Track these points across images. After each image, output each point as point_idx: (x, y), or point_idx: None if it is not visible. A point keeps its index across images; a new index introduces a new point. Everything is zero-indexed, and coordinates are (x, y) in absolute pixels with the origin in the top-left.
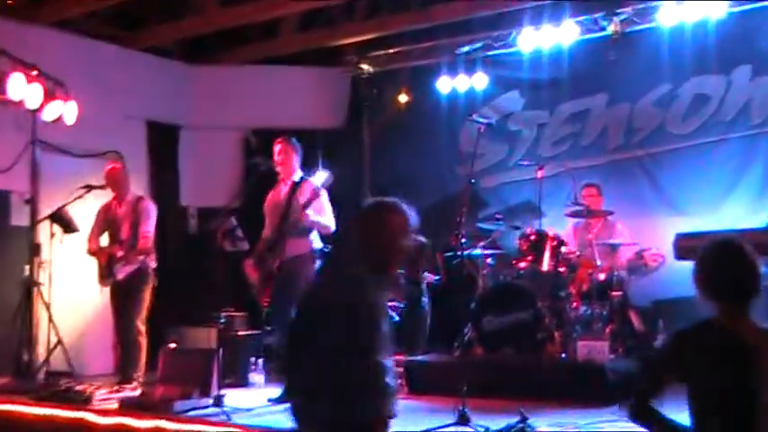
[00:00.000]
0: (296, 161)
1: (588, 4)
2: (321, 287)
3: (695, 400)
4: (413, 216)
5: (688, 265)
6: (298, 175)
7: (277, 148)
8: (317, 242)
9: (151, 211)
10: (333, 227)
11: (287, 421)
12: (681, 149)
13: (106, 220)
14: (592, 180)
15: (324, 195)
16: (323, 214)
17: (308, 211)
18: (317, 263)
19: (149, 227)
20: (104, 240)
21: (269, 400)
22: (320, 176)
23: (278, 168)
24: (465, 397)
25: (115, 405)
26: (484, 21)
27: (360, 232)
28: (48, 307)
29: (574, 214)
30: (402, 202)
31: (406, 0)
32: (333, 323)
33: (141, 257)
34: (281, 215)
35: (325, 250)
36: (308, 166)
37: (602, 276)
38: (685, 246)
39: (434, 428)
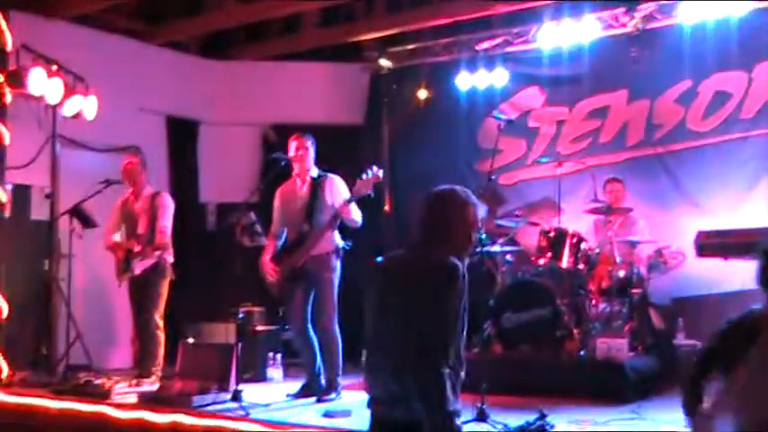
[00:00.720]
0: (311, 157)
1: (609, 0)
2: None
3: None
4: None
5: (708, 262)
6: (315, 171)
7: (294, 143)
8: (338, 239)
9: (168, 205)
10: (360, 221)
11: (305, 416)
12: (701, 146)
13: (123, 215)
14: (612, 175)
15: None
16: (353, 209)
17: (351, 206)
18: (339, 260)
19: (166, 221)
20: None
21: (287, 396)
22: (368, 173)
23: (294, 164)
24: (484, 394)
25: (134, 399)
26: (504, 17)
27: (435, 218)
28: (67, 301)
29: (594, 211)
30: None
31: None
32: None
33: (158, 252)
34: (304, 212)
35: (347, 247)
36: (327, 162)
37: (621, 274)
38: (706, 243)
39: None
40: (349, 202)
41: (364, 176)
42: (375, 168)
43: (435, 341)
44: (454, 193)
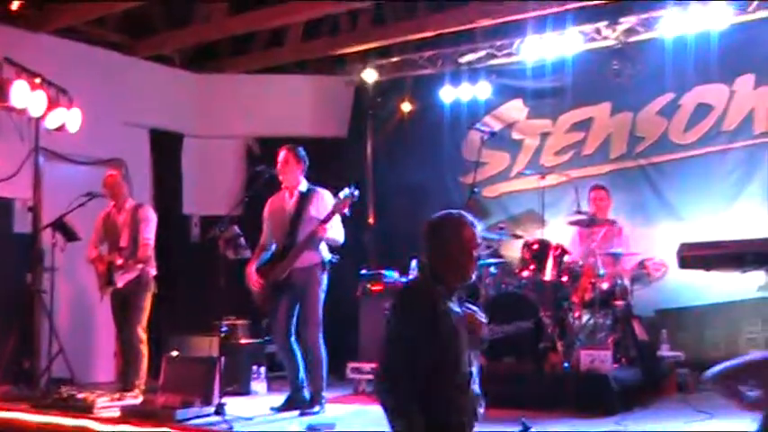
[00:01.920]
0: (299, 171)
1: (592, 14)
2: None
3: None
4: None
5: (692, 274)
6: (304, 185)
7: (281, 156)
8: (325, 253)
9: (151, 218)
10: (342, 240)
11: (288, 429)
12: (684, 159)
13: (106, 228)
14: (596, 183)
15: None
16: (333, 227)
17: (327, 226)
18: (326, 274)
19: (149, 234)
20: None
21: (271, 409)
22: (344, 193)
23: (280, 177)
24: None
25: (117, 413)
26: (487, 30)
27: (434, 244)
28: (50, 314)
29: (577, 223)
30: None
31: (410, 9)
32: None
33: (141, 265)
34: (289, 225)
35: (333, 261)
36: (311, 175)
37: (605, 286)
38: (688, 255)
39: None
40: (323, 222)
41: (341, 196)
42: (351, 188)
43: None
44: (449, 216)
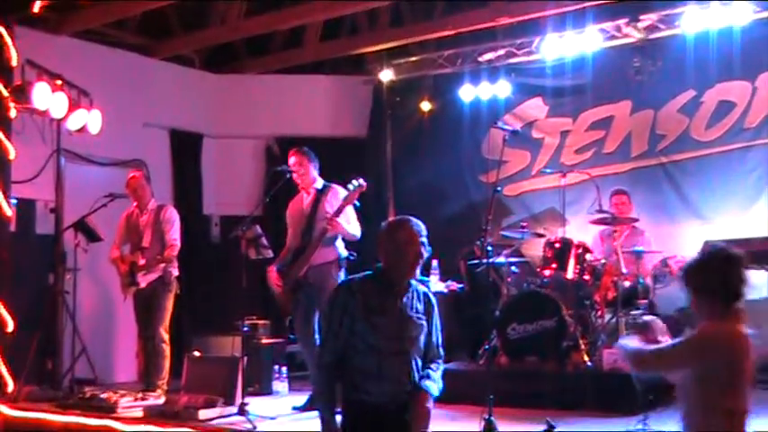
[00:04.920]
0: (313, 170)
1: (612, 11)
2: None
3: None
4: (421, 228)
5: None
6: (320, 183)
7: (292, 159)
8: (342, 250)
9: (175, 219)
10: (359, 235)
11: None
12: (705, 156)
13: (128, 228)
14: (617, 187)
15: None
16: (349, 223)
17: (339, 220)
18: (342, 271)
19: (175, 234)
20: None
21: (293, 408)
22: (353, 185)
23: (296, 179)
24: (490, 405)
25: (140, 413)
26: (507, 28)
27: (378, 245)
28: (72, 315)
29: (599, 222)
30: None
31: (429, 8)
32: None
33: (163, 265)
34: (306, 223)
35: (351, 258)
36: (331, 175)
37: (627, 284)
38: None
39: None
40: (334, 216)
41: (349, 187)
42: (360, 180)
43: None
44: (390, 220)
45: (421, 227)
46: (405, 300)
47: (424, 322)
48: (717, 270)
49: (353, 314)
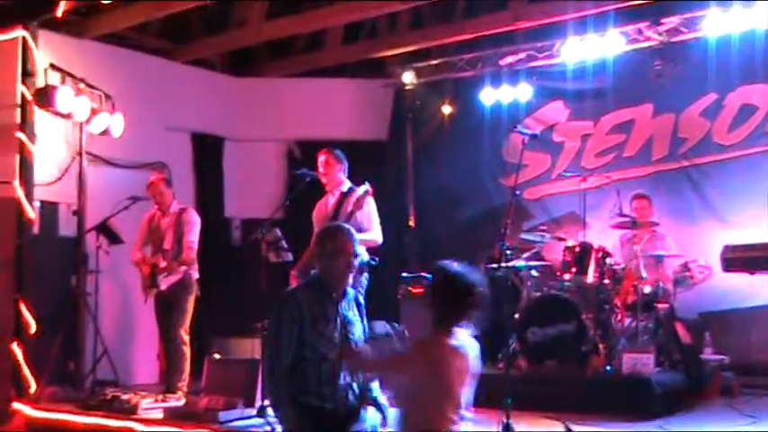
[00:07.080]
0: (340, 172)
1: (633, 14)
2: None
3: None
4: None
5: (735, 277)
6: (346, 185)
7: (321, 159)
8: (363, 254)
9: (195, 221)
10: (380, 239)
11: None
12: (727, 160)
13: (150, 231)
14: (638, 191)
15: (370, 206)
16: (369, 226)
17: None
18: (365, 275)
19: (194, 236)
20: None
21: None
22: (361, 190)
23: (323, 180)
24: (509, 409)
25: (160, 415)
26: (527, 32)
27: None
28: (94, 317)
29: (619, 226)
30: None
31: (450, 11)
32: None
33: (184, 267)
34: None
35: (372, 263)
36: (352, 178)
37: (647, 288)
38: (732, 258)
39: None
40: (349, 216)
41: (359, 192)
42: (366, 185)
43: None
44: (323, 229)
45: (354, 234)
46: (343, 305)
47: (364, 325)
48: (436, 288)
49: (302, 324)
